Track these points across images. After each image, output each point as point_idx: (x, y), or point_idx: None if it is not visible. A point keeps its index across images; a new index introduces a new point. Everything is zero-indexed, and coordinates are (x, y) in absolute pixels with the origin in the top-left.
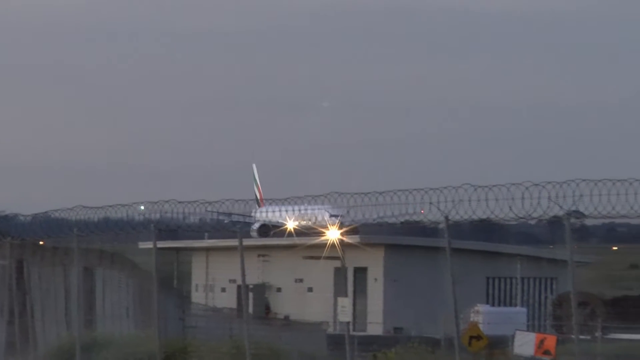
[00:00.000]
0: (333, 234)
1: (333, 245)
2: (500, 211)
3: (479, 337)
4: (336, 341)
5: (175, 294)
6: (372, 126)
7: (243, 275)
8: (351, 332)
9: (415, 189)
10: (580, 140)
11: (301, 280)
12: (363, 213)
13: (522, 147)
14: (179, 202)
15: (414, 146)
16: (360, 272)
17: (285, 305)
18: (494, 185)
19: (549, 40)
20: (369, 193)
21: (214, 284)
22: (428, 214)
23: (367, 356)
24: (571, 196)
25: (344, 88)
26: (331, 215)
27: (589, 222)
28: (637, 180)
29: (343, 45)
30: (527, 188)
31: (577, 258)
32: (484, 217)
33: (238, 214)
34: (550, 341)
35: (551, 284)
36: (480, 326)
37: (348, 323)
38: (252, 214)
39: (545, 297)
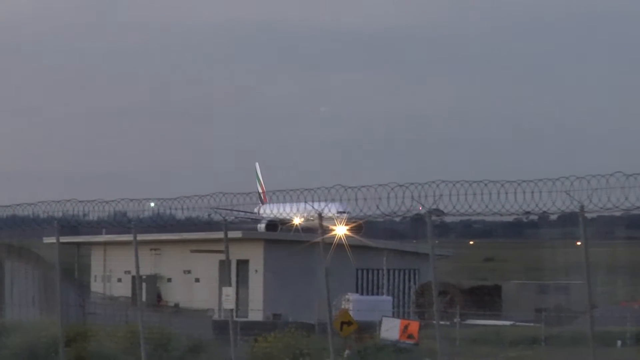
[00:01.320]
0: (341, 230)
1: (217, 240)
2: (369, 209)
3: (349, 323)
4: (221, 326)
5: (76, 284)
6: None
7: (137, 267)
8: (234, 318)
9: (292, 190)
10: (436, 145)
11: (189, 272)
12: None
13: (386, 152)
14: (80, 202)
15: (297, 152)
16: (243, 265)
17: (175, 294)
18: (362, 186)
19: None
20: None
21: (110, 275)
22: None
23: (249, 340)
24: (432, 196)
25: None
26: (338, 212)
27: (448, 219)
28: (491, 181)
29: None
30: (392, 188)
31: (437, 252)
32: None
33: (241, 211)
34: (414, 326)
35: (414, 274)
36: (351, 313)
37: (232, 310)
38: (256, 211)
39: (409, 287)
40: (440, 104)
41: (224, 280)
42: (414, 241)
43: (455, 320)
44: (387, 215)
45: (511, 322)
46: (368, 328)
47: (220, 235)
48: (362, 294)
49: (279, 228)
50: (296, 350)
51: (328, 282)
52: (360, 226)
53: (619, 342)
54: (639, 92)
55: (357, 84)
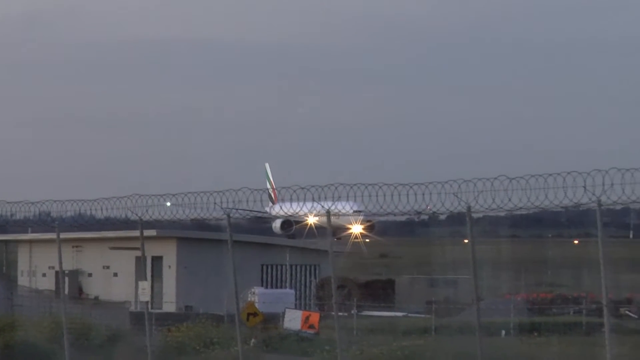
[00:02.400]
0: (357, 229)
1: (134, 238)
2: (280, 209)
3: (255, 314)
4: (137, 317)
5: (4, 278)
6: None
7: (60, 262)
8: (150, 310)
9: (202, 192)
10: (334, 150)
11: (108, 267)
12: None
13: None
14: (7, 202)
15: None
16: (157, 260)
17: (95, 287)
18: (264, 189)
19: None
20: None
21: (36, 270)
22: (213, 212)
23: (163, 329)
24: (331, 197)
25: None
26: (355, 211)
27: None
28: (385, 184)
29: None
30: (295, 191)
31: (336, 249)
32: (259, 215)
33: (249, 210)
34: (314, 317)
35: (315, 270)
36: (256, 305)
37: (147, 302)
38: (267, 209)
39: (310, 281)
40: (336, 113)
41: (140, 275)
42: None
43: (352, 311)
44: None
45: (404, 314)
46: (272, 319)
47: (136, 233)
48: (266, 287)
49: (294, 227)
50: (206, 339)
51: (235, 277)
52: (373, 225)
53: (503, 332)
54: (520, 98)
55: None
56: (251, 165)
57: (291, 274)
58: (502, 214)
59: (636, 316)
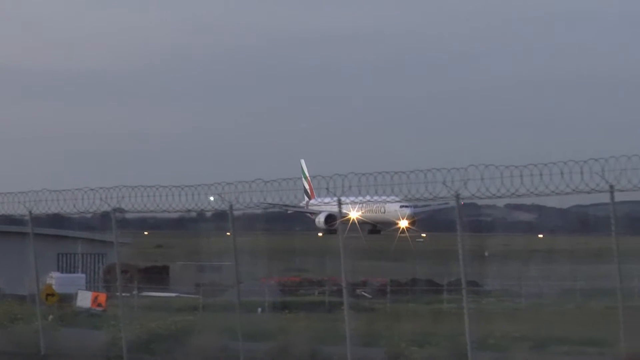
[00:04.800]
0: (404, 224)
1: None
2: (74, 207)
3: (52, 295)
4: None
5: None
6: None
7: None
8: None
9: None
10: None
11: None
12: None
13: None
14: None
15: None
16: None
17: None
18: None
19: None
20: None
21: None
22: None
23: None
24: (116, 197)
25: None
26: (401, 206)
27: (128, 215)
28: (162, 186)
29: None
30: (85, 192)
31: (120, 240)
32: (57, 212)
33: (289, 205)
34: (102, 297)
35: (102, 257)
36: (54, 287)
37: None
38: (302, 204)
39: (99, 267)
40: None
41: None
42: (102, 232)
43: (134, 292)
44: (82, 213)
45: (176, 294)
46: (67, 299)
47: None
48: (62, 272)
49: (338, 221)
50: (12, 315)
51: (36, 263)
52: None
53: (259, 309)
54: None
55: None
56: None
57: (82, 261)
58: (259, 211)
59: (370, 296)
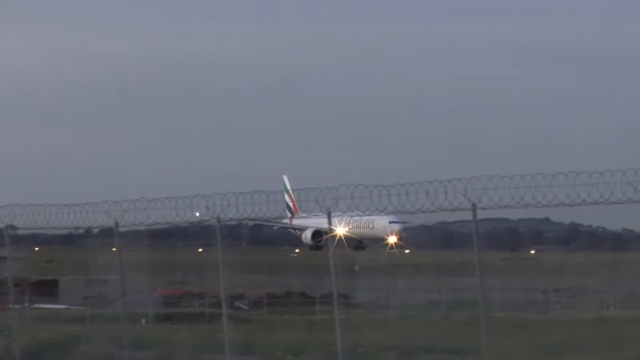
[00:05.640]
0: (392, 240)
1: None
2: None
3: None
4: None
5: None
6: None
7: None
8: None
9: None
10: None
11: None
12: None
13: None
14: None
15: None
16: None
17: None
18: None
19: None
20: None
21: None
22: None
23: None
24: (7, 215)
25: None
26: (390, 222)
27: (20, 232)
28: (52, 204)
29: None
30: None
31: (13, 255)
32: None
33: (271, 221)
34: None
35: None
36: None
37: None
38: (285, 221)
39: None
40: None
41: None
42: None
43: (25, 304)
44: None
45: (65, 306)
46: None
47: None
48: None
49: (324, 237)
50: None
51: None
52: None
53: (144, 320)
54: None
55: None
56: None
57: None
58: (142, 228)
59: (247, 308)
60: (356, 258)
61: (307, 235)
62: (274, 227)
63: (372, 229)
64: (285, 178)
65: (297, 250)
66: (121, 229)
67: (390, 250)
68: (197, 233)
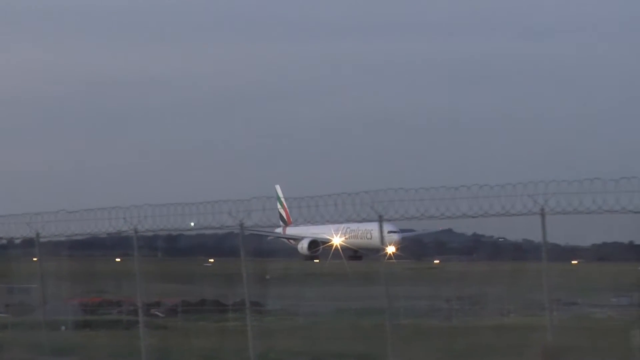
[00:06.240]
0: (390, 250)
1: None
2: None
3: None
4: None
5: None
6: None
7: None
8: None
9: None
10: None
11: None
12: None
13: None
14: None
15: None
16: None
17: None
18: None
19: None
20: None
21: None
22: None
23: None
24: None
25: None
26: (389, 232)
27: None
28: None
29: None
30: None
31: None
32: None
33: (263, 231)
34: None
35: None
36: None
37: None
38: (278, 230)
39: None
40: None
41: None
42: None
43: None
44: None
45: None
46: None
47: None
48: None
49: (320, 247)
50: None
51: None
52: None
53: (63, 327)
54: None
55: None
56: None
57: None
58: (63, 238)
59: (163, 315)
60: (268, 267)
61: (303, 246)
62: (269, 238)
63: (370, 239)
64: (277, 187)
65: (211, 260)
66: (42, 240)
67: (388, 260)
68: (116, 243)
